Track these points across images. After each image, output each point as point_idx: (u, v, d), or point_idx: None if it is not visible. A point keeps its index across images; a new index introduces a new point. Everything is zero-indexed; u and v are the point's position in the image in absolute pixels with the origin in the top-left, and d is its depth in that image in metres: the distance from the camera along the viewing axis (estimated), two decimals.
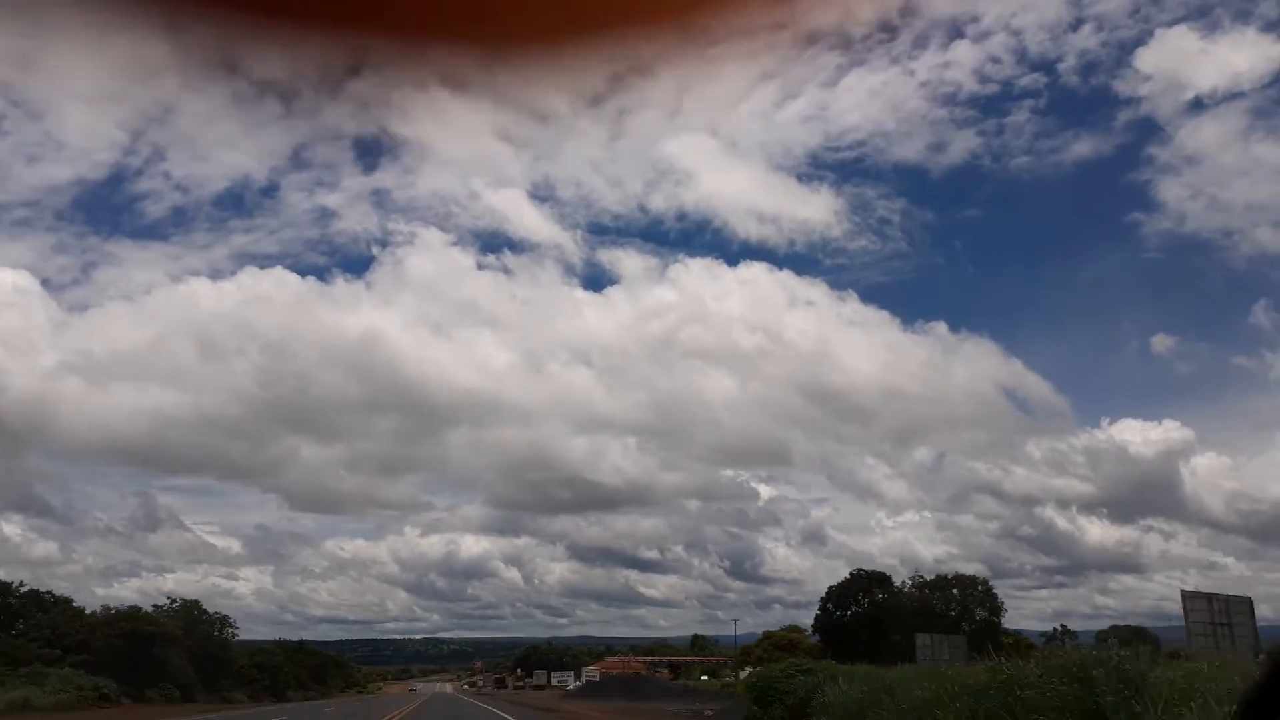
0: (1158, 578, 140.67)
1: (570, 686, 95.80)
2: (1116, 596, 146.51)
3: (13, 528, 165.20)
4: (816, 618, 78.05)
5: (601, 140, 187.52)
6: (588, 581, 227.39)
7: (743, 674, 76.84)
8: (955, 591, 71.13)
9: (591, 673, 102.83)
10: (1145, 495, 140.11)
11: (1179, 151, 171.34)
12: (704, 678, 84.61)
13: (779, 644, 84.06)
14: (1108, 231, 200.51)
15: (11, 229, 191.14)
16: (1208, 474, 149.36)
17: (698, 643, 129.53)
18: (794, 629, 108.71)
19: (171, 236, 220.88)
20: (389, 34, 1.96)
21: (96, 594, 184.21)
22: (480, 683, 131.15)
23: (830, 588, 76.75)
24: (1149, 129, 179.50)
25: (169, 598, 69.40)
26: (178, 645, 58.50)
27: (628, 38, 2.02)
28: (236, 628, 75.92)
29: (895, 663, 24.49)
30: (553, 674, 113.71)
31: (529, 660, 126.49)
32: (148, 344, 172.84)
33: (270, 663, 79.24)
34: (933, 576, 74.38)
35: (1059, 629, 75.54)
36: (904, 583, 74.08)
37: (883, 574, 75.43)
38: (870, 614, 70.16)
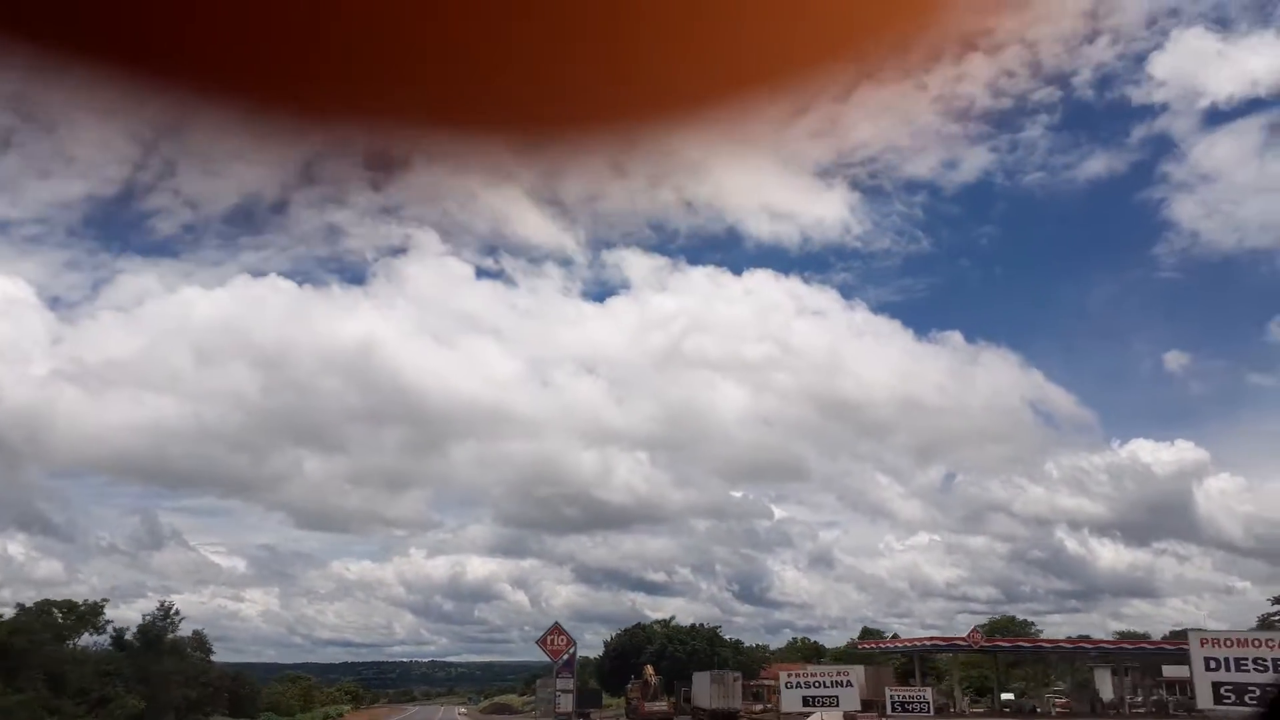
0: (1172, 602, 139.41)
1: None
2: (1130, 621, 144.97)
3: (17, 547, 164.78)
4: None
5: None
6: (594, 604, 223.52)
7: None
8: None
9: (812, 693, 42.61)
10: (1158, 517, 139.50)
11: (1194, 169, 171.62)
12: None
13: None
14: (1120, 248, 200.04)
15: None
16: (1222, 496, 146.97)
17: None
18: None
19: (181, 253, 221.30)
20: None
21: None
22: (560, 701, 44.17)
23: None
24: (1163, 145, 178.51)
25: None
26: None
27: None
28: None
29: None
30: (731, 676, 51.49)
31: (628, 652, 68.06)
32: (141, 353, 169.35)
33: None
34: None
35: None
36: None
37: None
38: None
